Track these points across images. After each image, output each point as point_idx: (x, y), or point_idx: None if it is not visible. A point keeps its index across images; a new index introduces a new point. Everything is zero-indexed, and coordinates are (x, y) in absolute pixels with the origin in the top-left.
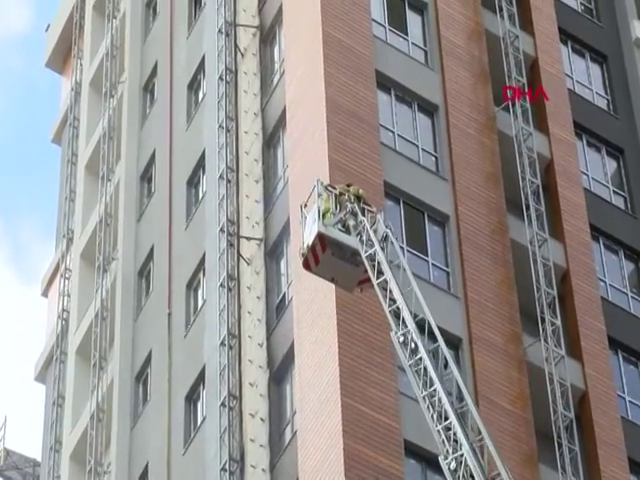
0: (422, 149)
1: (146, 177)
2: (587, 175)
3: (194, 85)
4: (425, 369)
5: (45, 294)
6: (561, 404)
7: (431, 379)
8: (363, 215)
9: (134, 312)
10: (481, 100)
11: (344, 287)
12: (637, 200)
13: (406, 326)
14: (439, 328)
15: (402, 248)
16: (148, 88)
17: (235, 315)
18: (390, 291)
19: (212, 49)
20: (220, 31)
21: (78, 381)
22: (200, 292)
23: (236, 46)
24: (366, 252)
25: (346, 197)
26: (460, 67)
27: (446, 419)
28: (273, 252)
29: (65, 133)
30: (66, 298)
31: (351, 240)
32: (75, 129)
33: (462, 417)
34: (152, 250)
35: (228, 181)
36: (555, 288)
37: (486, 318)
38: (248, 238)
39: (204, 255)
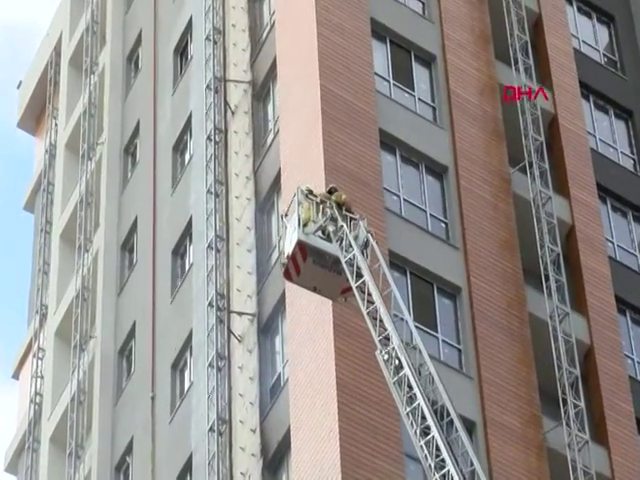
0: (430, 215)
1: (127, 247)
2: (612, 242)
3: (180, 146)
4: (410, 386)
5: (16, 376)
6: None
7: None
8: (345, 221)
9: (114, 395)
10: (495, 160)
11: (327, 296)
12: None
13: (387, 332)
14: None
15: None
16: (129, 150)
17: (225, 398)
18: (369, 294)
19: (200, 106)
20: (208, 87)
21: (52, 472)
22: (187, 373)
23: (226, 103)
24: (345, 257)
25: (327, 204)
26: (471, 125)
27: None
28: (267, 328)
29: (38, 199)
30: (39, 380)
31: (332, 247)
32: (49, 195)
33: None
34: (134, 327)
35: (217, 251)
36: (578, 366)
37: (502, 400)
38: (239, 313)
39: (191, 332)
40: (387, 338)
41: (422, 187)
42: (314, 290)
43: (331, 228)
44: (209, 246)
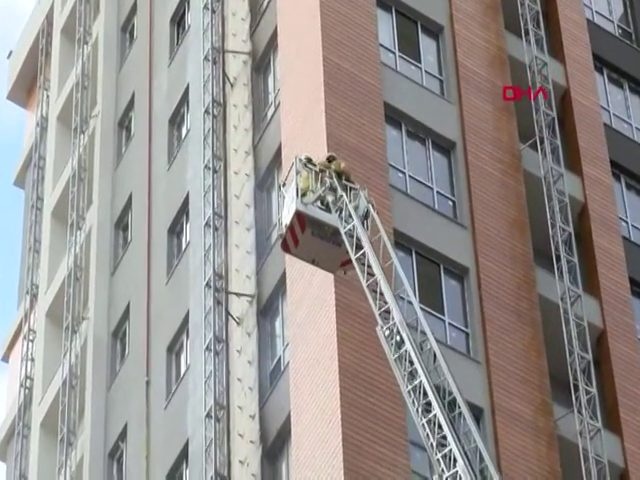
0: (437, 192)
1: (121, 225)
2: (626, 222)
3: (176, 120)
4: (411, 362)
5: (5, 359)
6: None
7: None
8: (344, 191)
9: (107, 379)
10: (504, 136)
11: (326, 269)
12: None
13: (388, 306)
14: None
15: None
16: (124, 123)
17: (223, 383)
18: (369, 266)
19: (197, 78)
20: (206, 58)
21: (43, 459)
22: (183, 356)
23: (224, 75)
24: (345, 228)
25: (327, 174)
26: (480, 98)
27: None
28: (267, 310)
29: (29, 174)
30: (30, 363)
31: (331, 217)
32: (40, 170)
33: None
34: (128, 308)
35: (215, 229)
36: (590, 351)
37: (511, 386)
38: (238, 294)
39: (187, 314)
40: (387, 312)
41: (428, 163)
42: (312, 262)
43: (330, 198)
44: (206, 224)
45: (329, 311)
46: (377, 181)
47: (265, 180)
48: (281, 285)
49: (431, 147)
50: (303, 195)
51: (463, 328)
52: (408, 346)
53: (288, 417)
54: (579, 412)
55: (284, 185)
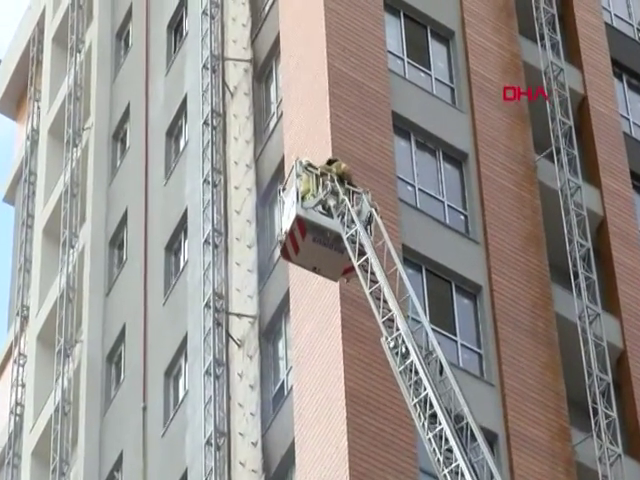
0: (448, 206)
1: (116, 242)
2: None
3: (174, 131)
4: (417, 372)
5: None
6: None
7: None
8: (347, 195)
9: (102, 405)
10: (519, 147)
11: (328, 276)
12: None
13: (392, 314)
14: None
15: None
16: (119, 136)
17: (224, 408)
18: (373, 273)
19: (196, 88)
20: (205, 66)
21: None
22: (181, 381)
23: (224, 84)
24: (347, 233)
25: (328, 177)
26: (493, 107)
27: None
28: (269, 332)
29: (19, 190)
30: (20, 389)
31: (332, 223)
32: (31, 185)
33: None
34: (124, 330)
35: (215, 246)
36: (610, 373)
37: (527, 410)
38: (239, 315)
39: (186, 336)
40: (391, 320)
41: (439, 176)
42: (314, 270)
43: (332, 202)
44: (206, 241)
45: (335, 332)
46: (385, 195)
47: (267, 195)
48: (284, 305)
49: (442, 159)
50: (303, 199)
51: (476, 349)
52: (413, 357)
53: (292, 444)
54: (598, 437)
55: (284, 190)
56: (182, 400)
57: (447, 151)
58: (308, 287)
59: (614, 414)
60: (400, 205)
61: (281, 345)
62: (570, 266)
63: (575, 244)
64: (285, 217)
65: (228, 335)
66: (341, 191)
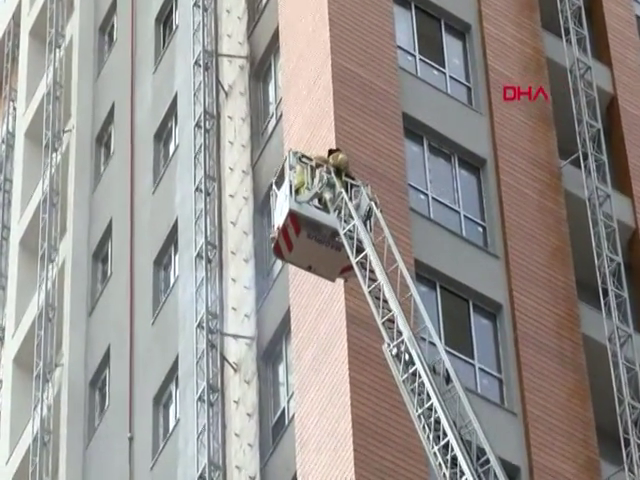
0: (465, 216)
1: (100, 256)
2: None
3: (163, 134)
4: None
5: None
6: None
7: (428, 395)
8: (344, 188)
9: (84, 435)
10: (542, 151)
11: (324, 276)
12: None
13: (392, 314)
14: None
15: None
16: (102, 139)
17: (218, 439)
18: (372, 271)
19: (187, 87)
20: (197, 63)
21: None
22: (172, 409)
23: (218, 82)
24: (344, 229)
25: (324, 168)
26: (514, 108)
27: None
28: (268, 355)
29: None
30: None
31: (328, 218)
32: (7, 193)
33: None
34: (108, 353)
35: (208, 261)
36: None
37: (552, 440)
38: (235, 336)
39: (177, 359)
40: (392, 321)
41: (455, 184)
42: (309, 269)
43: (328, 195)
44: (198, 255)
45: (340, 355)
46: (395, 204)
47: (266, 204)
48: (285, 325)
49: (457, 165)
50: (297, 193)
51: (496, 374)
52: (418, 365)
53: (294, 478)
54: (630, 471)
55: (276, 183)
56: (173, 430)
57: (463, 156)
58: (311, 305)
59: None
60: (412, 216)
61: (281, 369)
62: (599, 283)
63: (604, 258)
64: (278, 212)
65: (223, 358)
66: (338, 183)
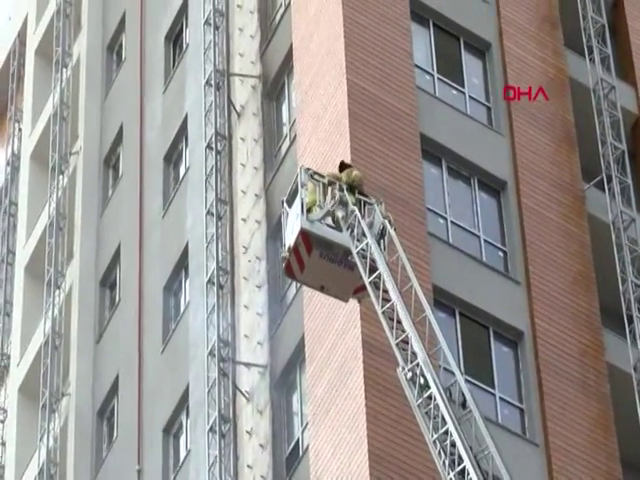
0: (485, 241)
1: (108, 282)
2: None
3: (173, 156)
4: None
5: None
6: None
7: (443, 420)
8: (357, 206)
9: (92, 467)
10: (565, 174)
11: (337, 296)
12: None
13: (406, 335)
14: None
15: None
16: (110, 161)
17: (230, 470)
18: (385, 290)
19: (197, 107)
20: (208, 83)
21: None
22: (182, 439)
23: (230, 103)
24: (357, 247)
25: (336, 186)
26: (536, 129)
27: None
28: (282, 384)
29: None
30: (0, 448)
31: (341, 236)
32: (12, 217)
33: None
34: (116, 382)
35: (220, 287)
36: None
37: (575, 472)
38: (247, 364)
39: (187, 388)
40: (406, 342)
41: (474, 207)
42: (322, 290)
43: (340, 214)
44: (209, 281)
45: (356, 384)
46: (413, 228)
47: (279, 228)
48: (299, 353)
49: (477, 187)
50: (309, 211)
51: (517, 404)
52: (433, 389)
53: None
54: None
55: (287, 201)
56: (183, 461)
57: (483, 179)
58: (326, 332)
59: None
60: (430, 240)
61: (295, 399)
62: (624, 309)
63: (629, 284)
64: (289, 231)
65: (235, 387)
66: (350, 201)
